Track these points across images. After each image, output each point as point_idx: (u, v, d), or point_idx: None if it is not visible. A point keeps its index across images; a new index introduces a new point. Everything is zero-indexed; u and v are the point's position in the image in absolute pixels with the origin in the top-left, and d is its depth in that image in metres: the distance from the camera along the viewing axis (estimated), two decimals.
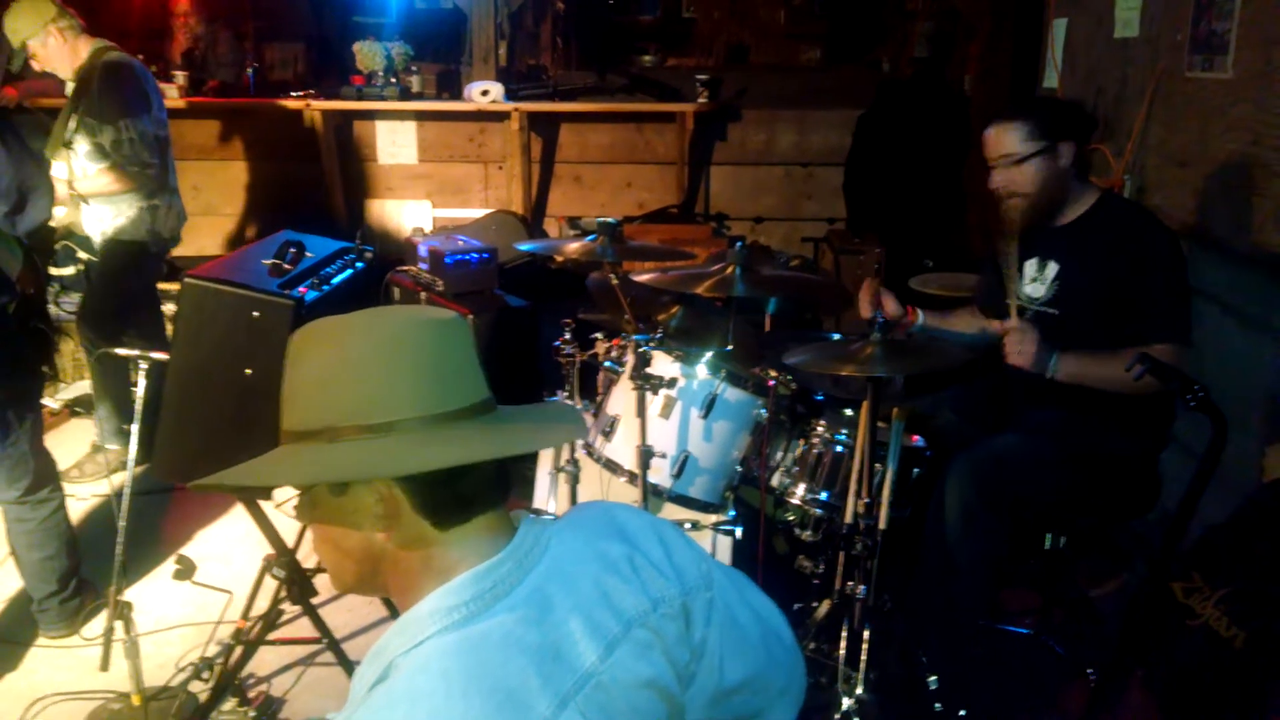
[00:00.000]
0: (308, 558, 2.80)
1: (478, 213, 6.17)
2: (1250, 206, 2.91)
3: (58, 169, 3.74)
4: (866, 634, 2.49)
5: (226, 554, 3.48)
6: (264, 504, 2.61)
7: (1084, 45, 4.07)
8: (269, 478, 1.16)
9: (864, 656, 2.47)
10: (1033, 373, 2.50)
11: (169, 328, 4.29)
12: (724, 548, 2.74)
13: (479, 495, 1.13)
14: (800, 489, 2.75)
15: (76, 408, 4.64)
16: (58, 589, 2.97)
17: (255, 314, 2.41)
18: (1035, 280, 2.73)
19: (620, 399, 2.73)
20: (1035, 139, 2.59)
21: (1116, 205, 2.72)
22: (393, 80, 6.01)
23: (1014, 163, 2.61)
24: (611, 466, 2.71)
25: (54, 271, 4.59)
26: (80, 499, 3.77)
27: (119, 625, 2.44)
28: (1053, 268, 2.68)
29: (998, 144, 2.64)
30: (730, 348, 2.82)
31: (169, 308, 4.50)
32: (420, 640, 1.05)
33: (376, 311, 1.20)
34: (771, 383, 2.69)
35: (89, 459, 4.11)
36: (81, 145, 3.79)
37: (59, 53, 3.84)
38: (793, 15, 9.90)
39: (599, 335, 3.06)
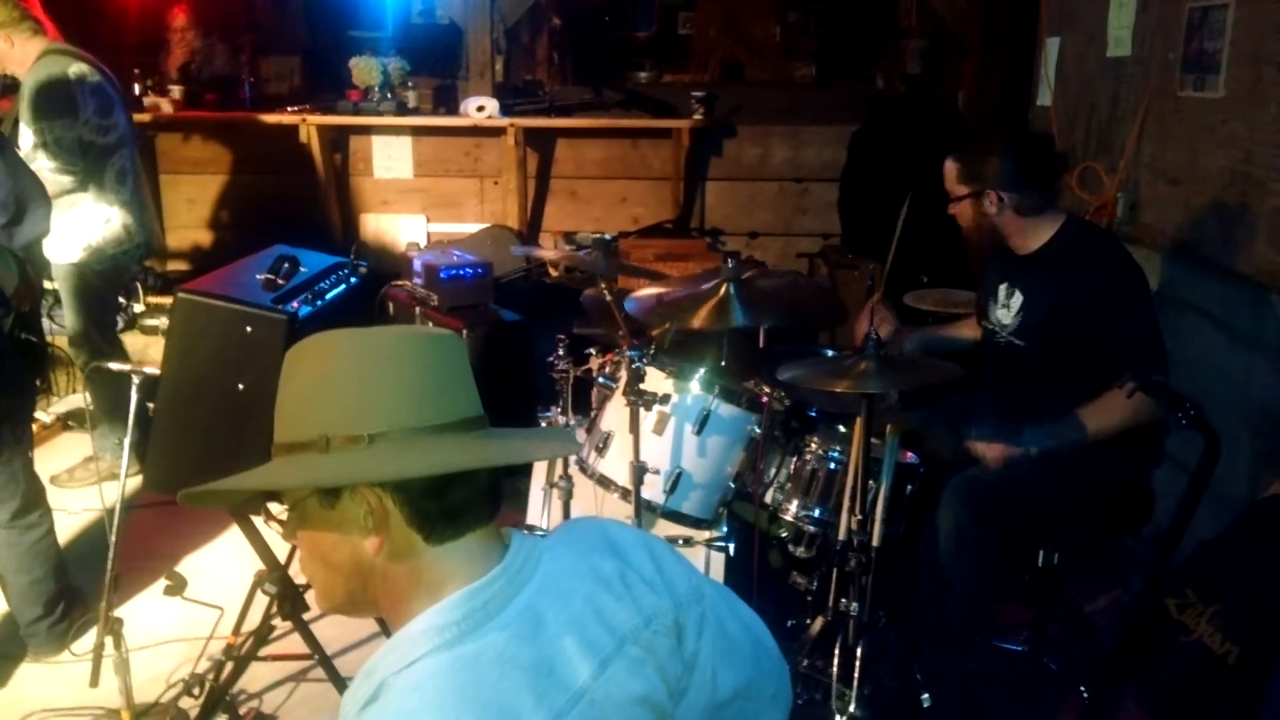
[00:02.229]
0: (299, 574, 2.79)
1: (473, 227, 6.17)
2: (1241, 223, 2.92)
3: None
4: (860, 650, 2.48)
5: (218, 570, 3.47)
6: (256, 519, 2.60)
7: (1076, 63, 4.10)
8: (257, 482, 1.16)
9: (857, 673, 2.46)
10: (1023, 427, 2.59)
11: (139, 344, 4.24)
12: (717, 564, 2.74)
13: (469, 508, 1.12)
14: (794, 505, 2.74)
15: (69, 421, 4.62)
16: (44, 613, 2.95)
17: (248, 329, 2.40)
18: (1004, 307, 2.77)
19: (614, 415, 2.73)
20: (963, 182, 2.70)
21: (1080, 235, 2.71)
22: (389, 95, 6.02)
23: (952, 199, 2.74)
24: (605, 482, 2.71)
25: (47, 285, 4.57)
26: (71, 513, 3.76)
27: (109, 641, 2.43)
28: (1018, 297, 2.72)
29: (945, 178, 2.77)
30: (724, 364, 2.82)
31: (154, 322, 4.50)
32: (412, 660, 1.04)
33: (372, 328, 1.21)
34: (765, 398, 2.69)
35: (81, 466, 4.11)
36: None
37: (10, 56, 3.80)
38: (787, 32, 9.95)
39: (593, 350, 3.06)
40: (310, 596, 2.61)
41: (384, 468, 1.08)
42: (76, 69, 3.78)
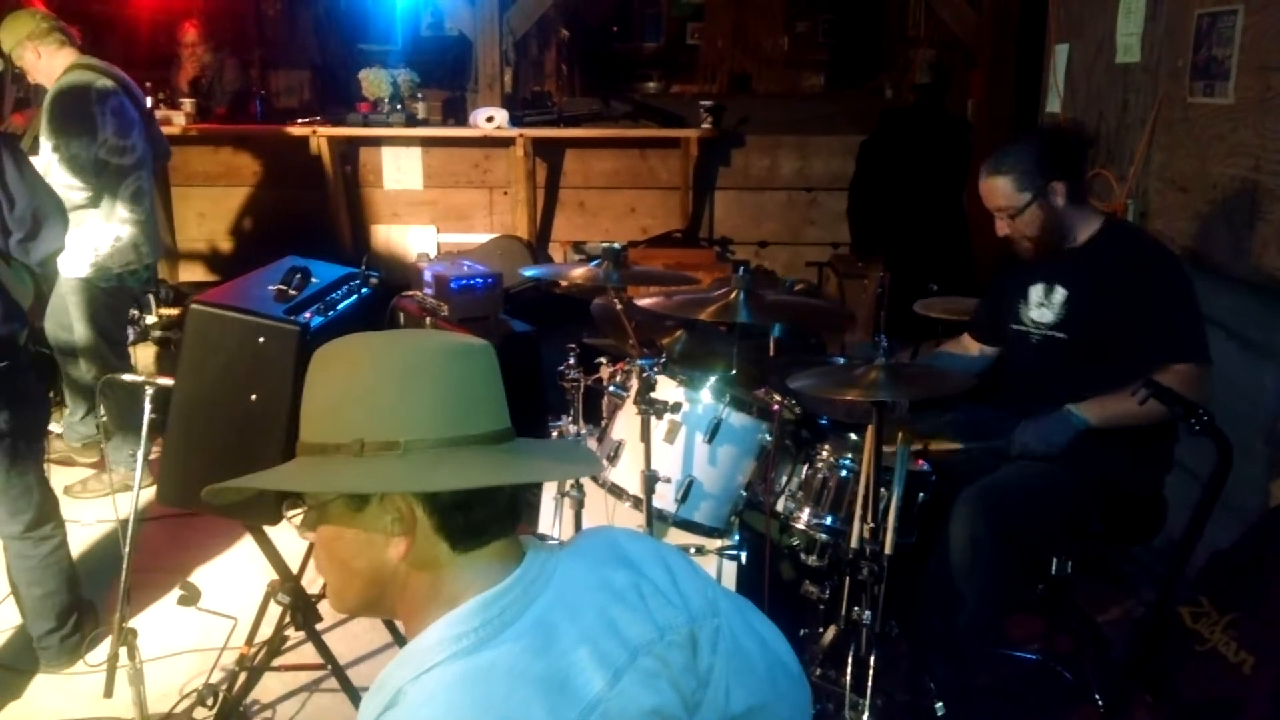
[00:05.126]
0: (312, 583, 2.80)
1: (483, 238, 6.20)
2: (1251, 231, 2.91)
3: None
4: (873, 660, 2.47)
5: (231, 580, 3.48)
6: (269, 529, 2.61)
7: (1085, 71, 4.09)
8: (294, 483, 1.15)
9: (870, 683, 2.45)
10: (1057, 439, 2.56)
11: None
12: (729, 573, 2.73)
13: (493, 520, 1.13)
14: (805, 514, 2.74)
15: None
16: (56, 625, 2.95)
17: (260, 340, 2.41)
18: (1043, 305, 2.74)
19: (624, 424, 2.73)
20: (1023, 190, 2.63)
21: (1121, 230, 2.74)
22: (398, 107, 6.06)
23: (1011, 215, 2.67)
24: (616, 491, 2.71)
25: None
26: (85, 525, 3.77)
27: (123, 652, 2.43)
28: (1060, 292, 2.69)
29: (991, 197, 2.69)
30: (734, 372, 2.82)
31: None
32: (427, 668, 1.04)
33: (405, 332, 1.21)
34: (776, 407, 2.69)
35: (94, 477, 4.13)
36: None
37: (37, 67, 3.84)
38: (795, 43, 9.98)
39: (603, 360, 3.06)
40: (323, 607, 2.63)
41: (425, 478, 1.08)
42: (100, 87, 3.79)
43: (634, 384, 2.66)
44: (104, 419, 3.80)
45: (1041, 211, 2.64)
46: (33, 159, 3.69)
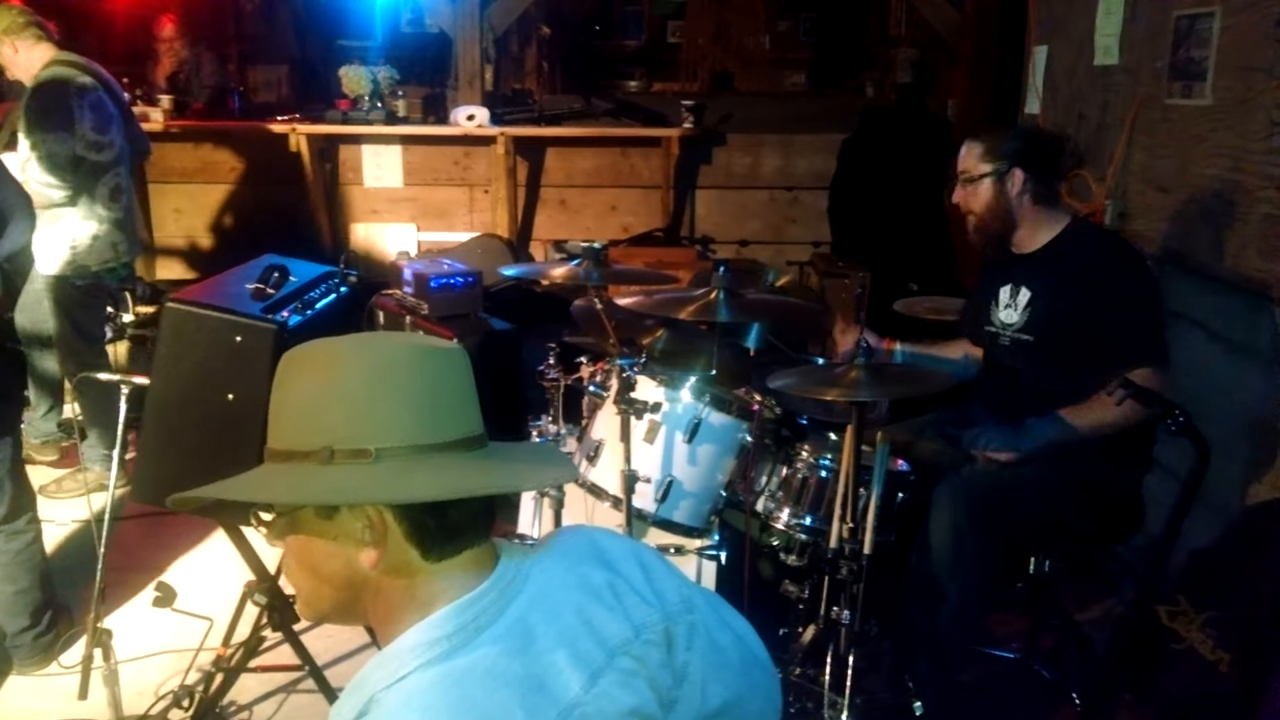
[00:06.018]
0: (289, 584, 2.78)
1: (463, 236, 6.17)
2: (1231, 231, 2.93)
3: None
4: (852, 659, 2.47)
5: (207, 580, 3.45)
6: (245, 529, 2.59)
7: (1065, 72, 4.11)
8: (260, 494, 1.14)
9: (849, 682, 2.45)
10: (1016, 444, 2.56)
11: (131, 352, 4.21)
12: (709, 572, 2.73)
13: (468, 526, 1.12)
14: (785, 513, 2.74)
15: (58, 431, 4.59)
16: (30, 624, 2.92)
17: (237, 338, 2.39)
18: (1009, 306, 2.75)
19: (604, 423, 2.72)
20: (987, 161, 2.67)
21: (1087, 231, 2.75)
22: (378, 104, 6.03)
23: (967, 180, 2.71)
24: (596, 491, 2.70)
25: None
26: (59, 524, 3.73)
27: (98, 653, 2.41)
28: (1025, 294, 2.71)
29: (962, 160, 2.73)
30: (714, 372, 2.82)
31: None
32: (402, 675, 1.03)
33: (375, 335, 1.19)
34: (756, 407, 2.69)
35: (69, 476, 4.08)
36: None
37: (14, 63, 3.81)
38: (777, 42, 10.00)
39: (583, 359, 3.05)
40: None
41: (394, 489, 1.07)
42: (80, 83, 3.75)
43: (614, 383, 2.65)
44: (79, 417, 3.76)
45: (994, 190, 2.67)
46: (10, 155, 3.67)
